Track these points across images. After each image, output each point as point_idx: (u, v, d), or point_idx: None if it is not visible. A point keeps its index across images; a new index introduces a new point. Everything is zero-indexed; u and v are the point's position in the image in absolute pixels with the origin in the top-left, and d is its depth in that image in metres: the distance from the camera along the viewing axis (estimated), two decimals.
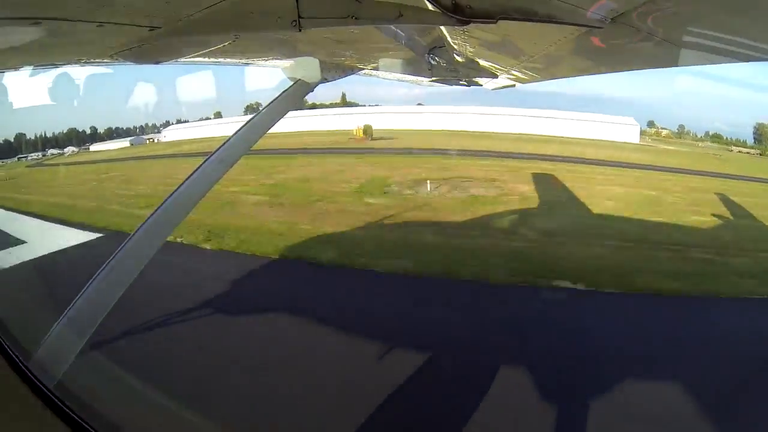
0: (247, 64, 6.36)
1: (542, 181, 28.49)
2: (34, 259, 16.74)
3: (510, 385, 9.40)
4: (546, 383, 9.26)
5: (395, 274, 15.69)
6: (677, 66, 3.85)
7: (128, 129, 74.73)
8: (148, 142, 75.11)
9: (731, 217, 23.05)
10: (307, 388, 9.23)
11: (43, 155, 61.81)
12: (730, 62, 3.34)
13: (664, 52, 3.45)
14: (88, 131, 71.79)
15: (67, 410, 2.60)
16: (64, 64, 4.67)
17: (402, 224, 21.44)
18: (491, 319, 12.63)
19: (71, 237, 20.03)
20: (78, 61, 4.28)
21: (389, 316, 12.50)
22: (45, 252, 17.97)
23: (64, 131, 70.53)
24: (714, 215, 22.84)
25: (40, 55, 3.78)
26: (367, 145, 43.09)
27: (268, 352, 10.70)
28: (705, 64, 3.68)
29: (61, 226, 22.41)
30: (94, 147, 68.07)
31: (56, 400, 2.68)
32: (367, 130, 44.85)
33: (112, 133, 74.19)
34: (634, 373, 9.64)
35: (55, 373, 4.14)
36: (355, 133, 45.82)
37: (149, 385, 8.24)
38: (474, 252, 17.43)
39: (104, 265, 4.63)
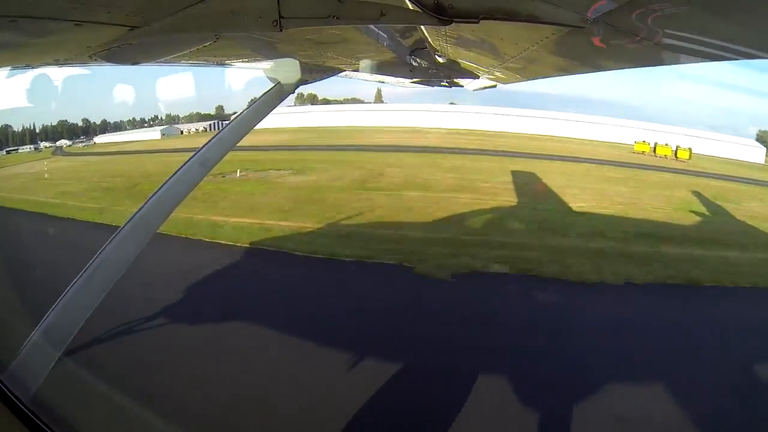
0: (227, 65, 6.30)
1: None
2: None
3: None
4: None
5: None
6: (658, 65, 3.89)
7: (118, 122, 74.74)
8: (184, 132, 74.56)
9: None
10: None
11: (36, 149, 60.59)
12: (709, 61, 3.39)
13: (646, 52, 3.48)
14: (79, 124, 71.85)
15: (43, 425, 2.54)
16: (40, 66, 4.58)
17: None
18: None
19: None
20: (55, 62, 4.20)
21: None
22: None
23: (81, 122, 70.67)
24: None
25: (15, 56, 3.70)
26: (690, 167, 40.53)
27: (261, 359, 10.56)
28: (686, 63, 3.73)
29: None
30: (100, 139, 67.23)
31: (31, 415, 2.62)
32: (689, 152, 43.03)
33: (106, 126, 73.80)
34: None
35: (30, 386, 4.05)
36: (659, 153, 44.11)
37: (128, 399, 8.10)
38: None
39: (81, 273, 4.55)
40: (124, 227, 4.92)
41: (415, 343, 11.19)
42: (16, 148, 61.52)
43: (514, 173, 33.48)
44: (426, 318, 12.76)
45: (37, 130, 66.75)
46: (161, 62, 4.94)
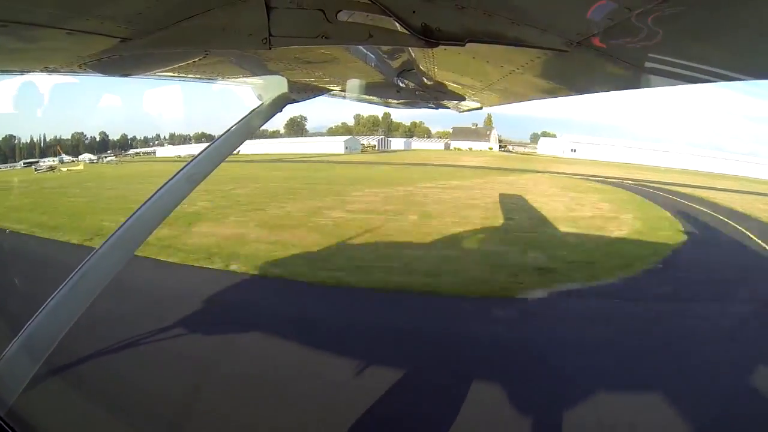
0: (215, 81, 6.34)
1: None
2: None
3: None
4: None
5: None
6: (641, 88, 4.00)
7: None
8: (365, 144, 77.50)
9: None
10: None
11: (60, 161, 59.12)
12: (691, 83, 3.49)
13: (629, 76, 3.58)
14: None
15: None
16: (29, 72, 4.58)
17: None
18: None
19: None
20: (44, 70, 4.20)
21: None
22: None
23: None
24: None
25: (4, 61, 3.71)
26: None
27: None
28: (667, 86, 3.83)
29: None
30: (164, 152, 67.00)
31: (8, 429, 2.57)
32: None
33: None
34: None
35: (7, 399, 3.99)
36: None
37: (109, 413, 7.94)
38: None
39: (63, 284, 4.50)
40: (108, 240, 4.88)
41: None
42: (36, 160, 59.69)
43: None
44: None
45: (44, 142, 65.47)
46: (150, 75, 4.97)
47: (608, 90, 5.07)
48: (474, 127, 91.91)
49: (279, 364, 10.67)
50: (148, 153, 73.31)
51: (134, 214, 5.13)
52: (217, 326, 12.53)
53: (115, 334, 11.22)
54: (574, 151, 71.02)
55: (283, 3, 2.98)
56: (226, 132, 5.94)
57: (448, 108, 10.52)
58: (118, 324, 11.85)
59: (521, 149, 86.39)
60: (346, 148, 68.25)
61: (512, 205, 32.92)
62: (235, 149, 6.21)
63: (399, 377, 9.96)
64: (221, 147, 5.94)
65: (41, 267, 16.06)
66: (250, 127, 6.32)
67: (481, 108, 9.69)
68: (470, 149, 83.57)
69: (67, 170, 53.19)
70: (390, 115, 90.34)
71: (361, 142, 79.66)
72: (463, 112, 11.18)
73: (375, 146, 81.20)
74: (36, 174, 50.59)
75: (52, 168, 53.85)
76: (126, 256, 5.08)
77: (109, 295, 5.11)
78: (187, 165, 5.62)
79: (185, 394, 9.11)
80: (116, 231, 5.00)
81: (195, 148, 69.60)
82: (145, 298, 14.00)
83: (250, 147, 72.01)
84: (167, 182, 5.38)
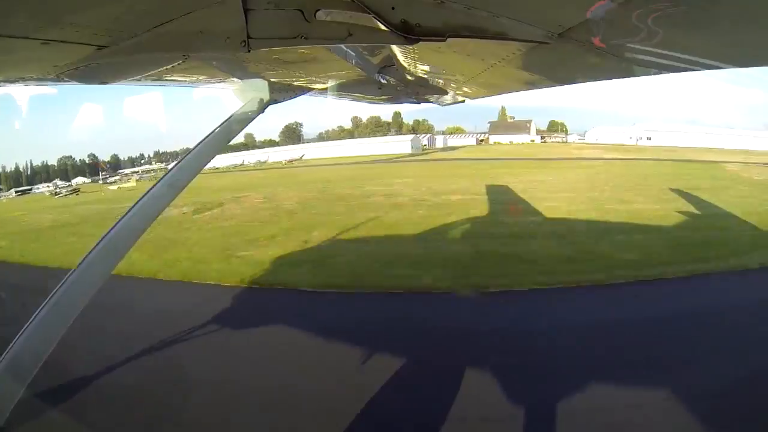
0: (196, 85, 6.27)
1: None
2: None
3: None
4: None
5: None
6: (623, 78, 4.02)
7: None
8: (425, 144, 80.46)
9: None
10: None
11: (57, 187, 56.91)
12: (673, 72, 3.51)
13: (610, 65, 3.59)
14: None
15: None
16: (5, 83, 4.50)
17: None
18: None
19: None
20: (21, 80, 4.12)
21: None
22: None
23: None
24: None
25: None
26: None
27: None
28: (648, 75, 3.85)
29: None
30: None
31: None
32: None
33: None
34: None
35: None
36: None
37: None
38: None
39: (45, 302, 4.41)
40: (91, 252, 4.80)
41: None
42: (29, 187, 57.74)
43: None
44: None
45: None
46: (130, 82, 4.90)
47: (590, 80, 5.10)
48: (512, 120, 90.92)
49: None
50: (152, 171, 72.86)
51: (117, 223, 5.05)
52: None
53: None
54: (650, 139, 67.39)
55: (260, 4, 2.95)
56: (207, 137, 5.88)
57: (431, 102, 10.50)
58: None
59: (551, 139, 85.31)
60: (412, 147, 69.28)
61: None
62: (217, 153, 6.15)
63: None
64: (203, 152, 5.88)
65: None
66: (232, 130, 6.27)
67: (464, 101, 9.70)
68: (511, 143, 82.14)
69: (118, 188, 50.23)
70: (400, 114, 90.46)
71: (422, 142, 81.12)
72: (445, 105, 11.18)
73: (425, 145, 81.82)
74: (56, 199, 47.01)
75: (76, 191, 51.55)
76: (111, 266, 5.00)
77: None
78: (168, 171, 5.57)
79: None
80: (100, 241, 4.92)
81: (224, 159, 68.51)
82: None
83: (320, 150, 73.91)
84: (149, 190, 5.32)
